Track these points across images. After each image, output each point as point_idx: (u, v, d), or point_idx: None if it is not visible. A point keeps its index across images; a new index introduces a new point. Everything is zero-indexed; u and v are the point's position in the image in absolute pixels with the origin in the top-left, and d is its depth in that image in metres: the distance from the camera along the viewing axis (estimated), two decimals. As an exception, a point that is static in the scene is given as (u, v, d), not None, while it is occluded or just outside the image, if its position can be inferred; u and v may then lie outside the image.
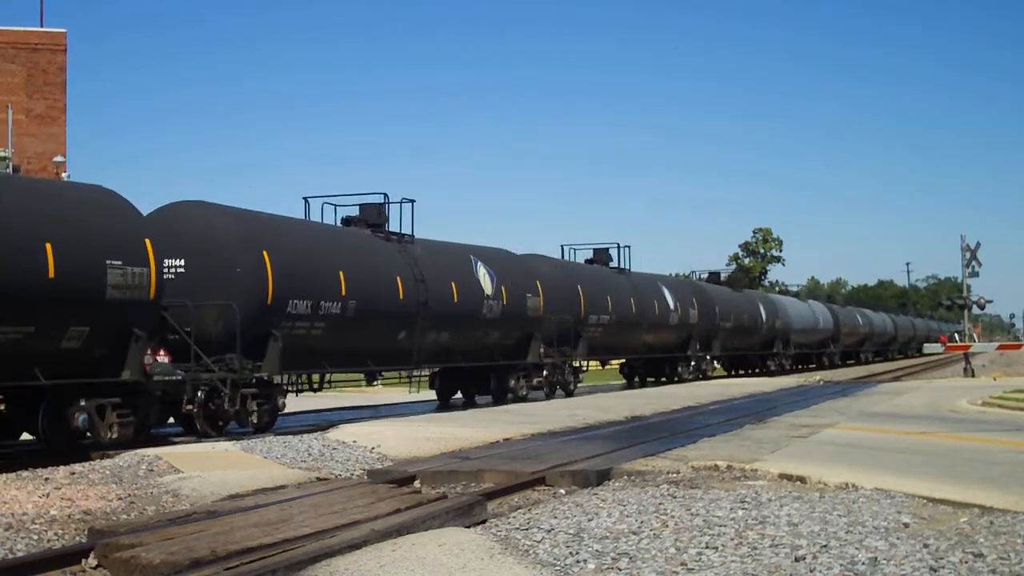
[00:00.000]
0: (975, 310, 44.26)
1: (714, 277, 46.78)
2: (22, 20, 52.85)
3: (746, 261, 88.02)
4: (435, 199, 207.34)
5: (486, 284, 23.91)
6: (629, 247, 34.56)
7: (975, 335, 49.99)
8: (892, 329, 78.20)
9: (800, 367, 54.58)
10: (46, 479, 11.24)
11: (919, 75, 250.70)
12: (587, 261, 33.72)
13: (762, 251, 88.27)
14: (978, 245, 41.25)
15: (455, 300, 22.56)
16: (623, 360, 37.04)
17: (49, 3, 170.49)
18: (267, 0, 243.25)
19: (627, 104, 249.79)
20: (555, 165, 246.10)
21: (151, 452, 13.12)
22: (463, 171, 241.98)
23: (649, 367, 37.41)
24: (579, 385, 30.18)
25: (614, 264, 34.24)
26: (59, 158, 30.51)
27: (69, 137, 31.96)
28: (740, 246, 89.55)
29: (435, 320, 21.70)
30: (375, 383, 24.14)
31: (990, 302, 43.68)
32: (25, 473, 11.73)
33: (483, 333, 24.09)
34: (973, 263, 41.03)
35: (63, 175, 28.18)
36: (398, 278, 20.75)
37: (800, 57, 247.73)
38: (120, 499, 10.20)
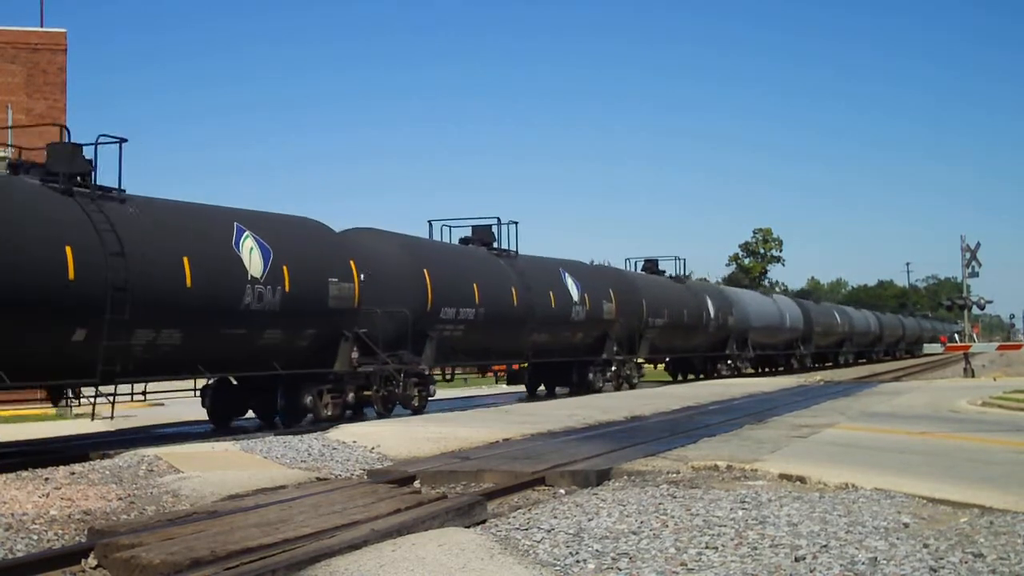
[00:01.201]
0: (975, 310, 44.32)
1: (650, 265, 39.27)
2: (22, 20, 52.89)
3: (746, 261, 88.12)
4: (437, 199, 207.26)
5: (254, 262, 17.06)
6: (516, 223, 27.18)
7: (974, 335, 49.98)
8: (876, 328, 72.44)
9: (766, 370, 50.08)
10: (46, 479, 11.25)
11: (919, 75, 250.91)
12: (462, 241, 26.84)
13: (762, 251, 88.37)
14: (978, 245, 41.35)
15: (187, 283, 15.77)
16: (523, 364, 29.16)
17: (49, 3, 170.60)
18: (267, 0, 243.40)
19: (627, 104, 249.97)
20: (555, 165, 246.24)
21: (151, 452, 13.13)
22: (463, 171, 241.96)
23: (552, 373, 30.02)
24: (441, 397, 24.72)
25: (502, 246, 27.20)
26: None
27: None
28: (740, 246, 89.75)
29: (146, 312, 15.00)
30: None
31: (990, 302, 43.79)
32: (25, 473, 11.74)
33: (252, 331, 17.14)
34: (973, 263, 41.09)
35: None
36: None
37: (800, 57, 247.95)
38: (120, 499, 10.20)
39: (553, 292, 27.57)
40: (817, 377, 41.27)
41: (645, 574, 6.64)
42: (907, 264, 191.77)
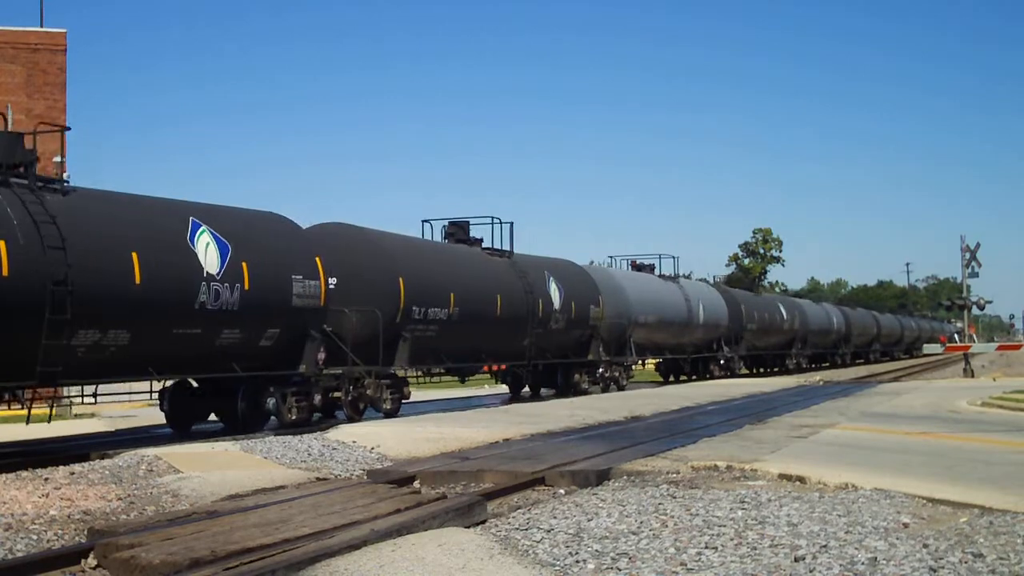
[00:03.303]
0: (975, 310, 44.34)
1: (457, 230, 25.94)
2: (22, 20, 52.85)
3: (746, 261, 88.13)
4: (437, 199, 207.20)
5: None
6: (67, 129, 17.76)
7: (972, 335, 49.92)
8: (841, 327, 60.61)
9: (680, 379, 39.54)
10: (46, 479, 11.25)
11: (920, 75, 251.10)
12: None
13: (762, 251, 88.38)
14: (978, 245, 41.38)
15: None
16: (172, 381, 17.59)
17: (49, 3, 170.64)
18: (267, 0, 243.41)
19: (627, 104, 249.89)
20: (555, 165, 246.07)
21: (151, 452, 13.13)
22: (463, 171, 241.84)
23: (212, 396, 17.92)
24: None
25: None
26: (59, 158, 30.50)
27: (69, 137, 31.96)
28: (740, 246, 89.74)
29: None
30: None
31: (990, 302, 43.82)
32: (25, 473, 11.74)
33: None
34: (973, 263, 41.10)
35: (63, 176, 28.18)
36: None
37: (800, 57, 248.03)
38: (120, 499, 10.21)
39: (144, 259, 14.86)
40: (817, 377, 41.32)
41: (645, 574, 6.64)
42: (907, 264, 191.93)
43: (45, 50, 31.44)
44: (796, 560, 6.88)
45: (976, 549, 7.07)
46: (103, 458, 13.14)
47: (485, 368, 27.06)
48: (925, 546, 7.20)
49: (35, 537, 8.49)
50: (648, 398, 25.81)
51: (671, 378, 39.86)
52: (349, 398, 19.35)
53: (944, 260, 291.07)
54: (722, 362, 41.69)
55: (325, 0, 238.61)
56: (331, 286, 18.96)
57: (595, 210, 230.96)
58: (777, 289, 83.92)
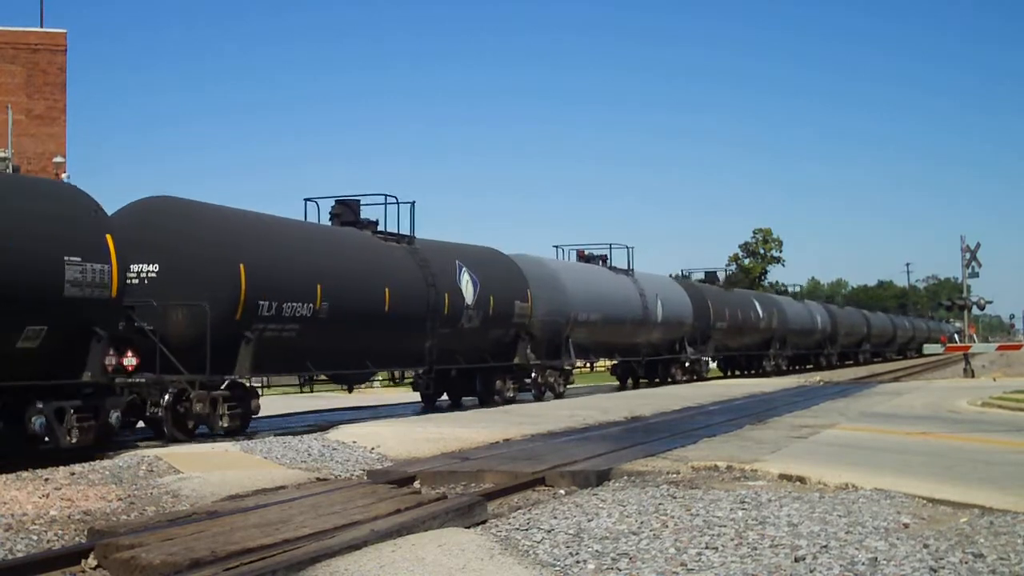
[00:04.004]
0: (975, 310, 44.32)
1: (345, 210, 21.51)
2: (22, 20, 52.85)
3: (746, 262, 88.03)
4: (435, 200, 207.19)
5: None
6: None
7: (972, 335, 49.84)
8: (827, 326, 56.55)
9: (643, 383, 35.83)
10: (46, 479, 11.24)
11: (920, 75, 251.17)
12: None
13: (762, 251, 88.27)
14: (978, 245, 41.35)
15: None
16: None
17: (49, 3, 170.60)
18: (267, 1, 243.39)
19: (627, 104, 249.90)
20: (555, 165, 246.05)
21: (151, 452, 13.13)
22: (463, 171, 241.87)
23: None
24: None
25: None
26: (59, 158, 30.52)
27: (69, 137, 32.00)
28: (740, 246, 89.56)
29: None
30: None
31: (990, 302, 43.77)
32: (25, 473, 11.73)
33: None
34: (973, 263, 41.08)
35: (63, 175, 28.21)
36: None
37: (799, 57, 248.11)
38: (120, 499, 10.20)
39: None
40: (817, 378, 41.31)
41: (645, 574, 6.64)
42: (907, 264, 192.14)
43: (45, 50, 31.47)
44: (796, 560, 6.88)
45: (976, 549, 7.07)
46: (103, 458, 13.11)
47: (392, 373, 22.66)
48: (925, 546, 7.20)
49: (35, 537, 8.49)
50: (648, 399, 25.81)
51: (629, 382, 36.38)
52: (160, 413, 15.55)
53: (944, 260, 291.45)
54: (687, 364, 37.42)
55: (325, 0, 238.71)
56: (151, 274, 15.98)
57: (596, 209, 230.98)
58: (776, 290, 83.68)
